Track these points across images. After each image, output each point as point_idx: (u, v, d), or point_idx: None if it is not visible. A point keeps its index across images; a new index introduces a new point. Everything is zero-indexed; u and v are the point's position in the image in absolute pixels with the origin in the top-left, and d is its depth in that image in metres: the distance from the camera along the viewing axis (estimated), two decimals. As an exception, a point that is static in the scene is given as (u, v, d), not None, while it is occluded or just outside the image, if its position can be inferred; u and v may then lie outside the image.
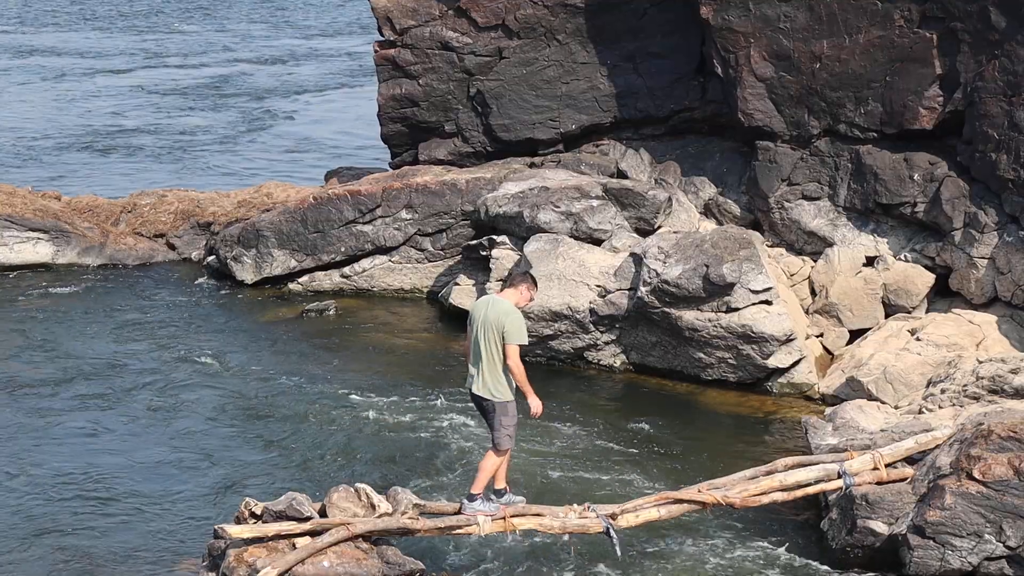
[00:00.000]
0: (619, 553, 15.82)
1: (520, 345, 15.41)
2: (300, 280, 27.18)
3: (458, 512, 15.82)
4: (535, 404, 15.53)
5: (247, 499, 15.60)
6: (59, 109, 48.06)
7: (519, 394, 15.60)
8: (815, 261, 24.12)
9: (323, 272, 27.13)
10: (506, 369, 15.50)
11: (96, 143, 42.57)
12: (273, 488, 17.88)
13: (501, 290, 16.22)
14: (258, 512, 15.39)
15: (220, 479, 18.59)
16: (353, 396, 21.58)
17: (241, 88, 52.57)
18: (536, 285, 16.05)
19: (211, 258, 28.21)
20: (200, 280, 27.76)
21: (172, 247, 29.26)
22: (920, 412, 19.31)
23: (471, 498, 15.74)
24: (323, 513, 15.43)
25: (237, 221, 28.39)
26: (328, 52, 60.16)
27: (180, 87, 52.08)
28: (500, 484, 15.98)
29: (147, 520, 17.32)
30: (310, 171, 37.97)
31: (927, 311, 23.04)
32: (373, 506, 15.49)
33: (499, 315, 15.42)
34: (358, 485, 15.73)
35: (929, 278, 23.13)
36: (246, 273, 27.14)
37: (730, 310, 21.92)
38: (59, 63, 57.84)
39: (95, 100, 49.85)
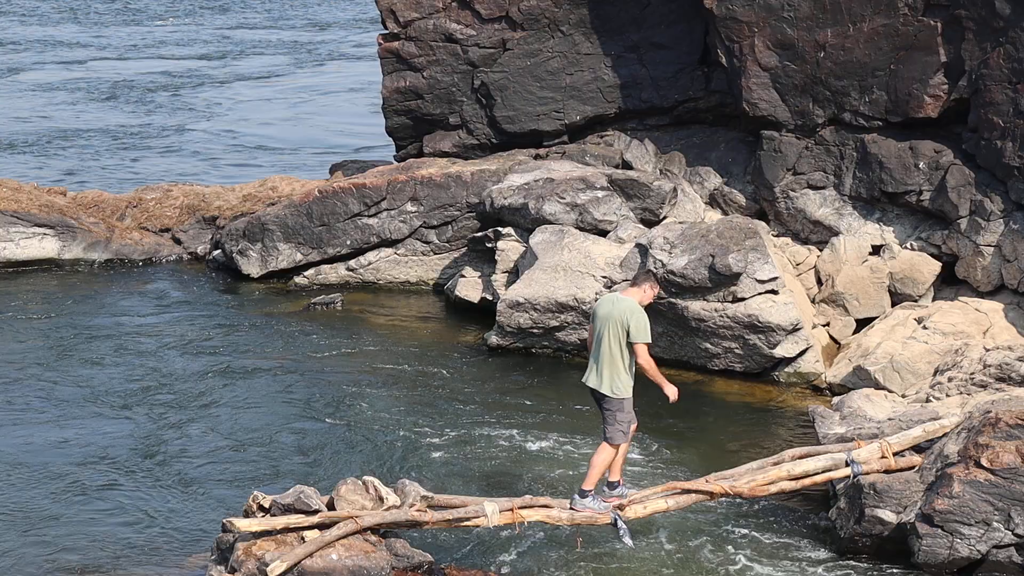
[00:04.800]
0: (630, 543, 15.86)
1: (647, 343, 15.75)
2: (306, 273, 27.19)
3: (568, 507, 15.99)
4: (671, 391, 15.99)
5: (255, 492, 15.64)
6: (57, 104, 47.99)
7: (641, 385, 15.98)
8: (821, 250, 24.11)
9: (329, 265, 27.13)
10: (626, 367, 15.83)
11: (103, 137, 42.56)
12: (281, 481, 17.90)
13: (625, 289, 16.47)
14: (266, 505, 15.43)
15: (228, 472, 18.61)
16: (360, 389, 21.59)
17: (241, 79, 52.42)
18: (658, 283, 16.46)
19: (217, 252, 28.22)
20: (206, 274, 27.77)
21: (178, 241, 29.26)
22: (927, 400, 19.31)
23: (583, 494, 15.92)
24: (331, 506, 15.45)
25: (243, 215, 28.40)
26: (331, 45, 60.06)
27: (171, 82, 51.87)
28: (614, 477, 16.20)
29: (155, 514, 17.33)
30: (315, 165, 37.97)
31: (933, 299, 23.03)
32: (381, 499, 15.52)
33: (623, 313, 15.74)
34: (366, 478, 15.76)
35: (935, 266, 23.11)
36: (252, 267, 27.14)
37: (736, 300, 21.92)
38: (52, 55, 57.74)
39: (98, 93, 49.83)
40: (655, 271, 16.15)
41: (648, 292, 16.10)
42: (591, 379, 16.01)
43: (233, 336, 24.11)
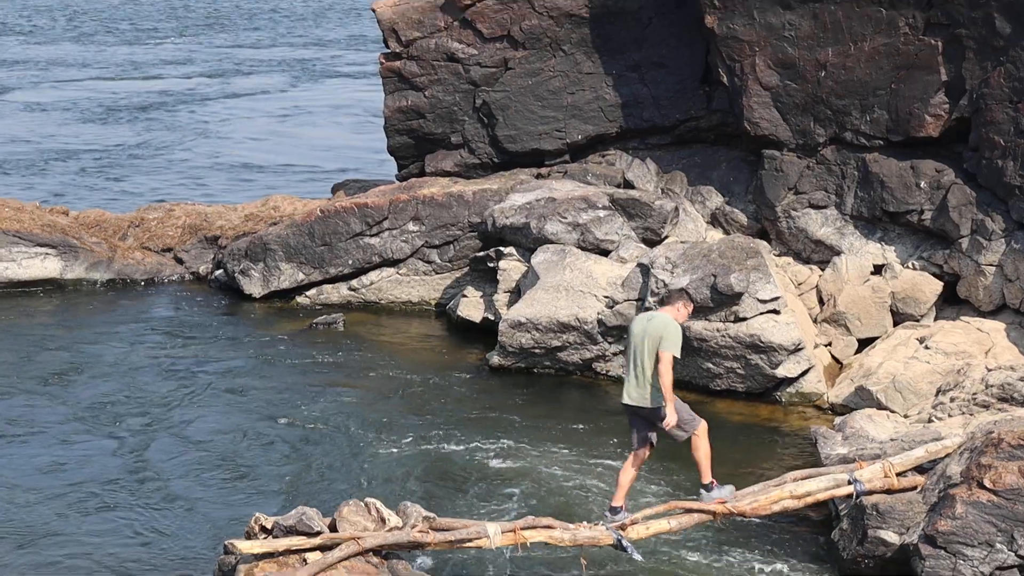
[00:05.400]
0: (638, 557, 15.90)
1: (674, 356, 15.79)
2: (308, 293, 27.20)
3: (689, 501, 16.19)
4: (670, 415, 15.87)
5: (257, 514, 15.60)
6: (53, 124, 47.98)
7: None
8: (823, 270, 24.12)
9: (331, 285, 27.14)
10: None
11: (101, 158, 42.62)
12: (283, 502, 17.90)
13: (659, 308, 16.55)
14: (268, 527, 15.40)
15: (229, 493, 18.60)
16: (361, 410, 21.59)
17: (245, 100, 52.48)
18: (692, 301, 16.58)
19: (219, 272, 28.23)
20: (208, 294, 27.78)
21: (180, 261, 29.28)
22: (930, 421, 19.30)
23: (708, 488, 16.16)
24: (333, 528, 15.42)
25: (244, 235, 28.42)
26: (331, 63, 60.13)
27: (169, 101, 51.87)
28: (617, 503, 16.23)
29: (157, 535, 17.32)
30: (317, 184, 38.01)
31: (935, 319, 23.03)
32: (383, 520, 15.49)
33: (657, 327, 15.86)
34: (368, 499, 15.73)
35: (937, 286, 23.12)
36: (254, 287, 27.15)
37: (738, 320, 21.92)
38: (53, 75, 57.75)
39: (95, 113, 49.87)
40: (687, 290, 16.24)
41: (682, 310, 16.21)
42: (631, 396, 16.09)
43: (234, 356, 24.11)
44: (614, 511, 16.20)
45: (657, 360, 15.78)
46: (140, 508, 18.07)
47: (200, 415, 21.38)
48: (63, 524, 17.55)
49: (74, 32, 68.77)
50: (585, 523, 16.01)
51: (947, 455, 16.61)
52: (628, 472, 16.37)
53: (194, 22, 72.05)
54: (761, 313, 21.89)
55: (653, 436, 16.28)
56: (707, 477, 16.22)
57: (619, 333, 22.84)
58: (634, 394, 16.03)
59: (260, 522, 15.49)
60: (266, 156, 42.54)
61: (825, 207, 24.41)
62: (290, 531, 15.25)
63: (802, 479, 16.73)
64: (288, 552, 15.12)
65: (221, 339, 25.06)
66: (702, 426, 16.22)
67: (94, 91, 53.02)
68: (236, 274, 27.37)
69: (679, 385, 22.19)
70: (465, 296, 25.54)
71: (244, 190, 37.56)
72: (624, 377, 16.28)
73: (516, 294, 24.32)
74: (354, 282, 27.07)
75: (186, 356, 24.05)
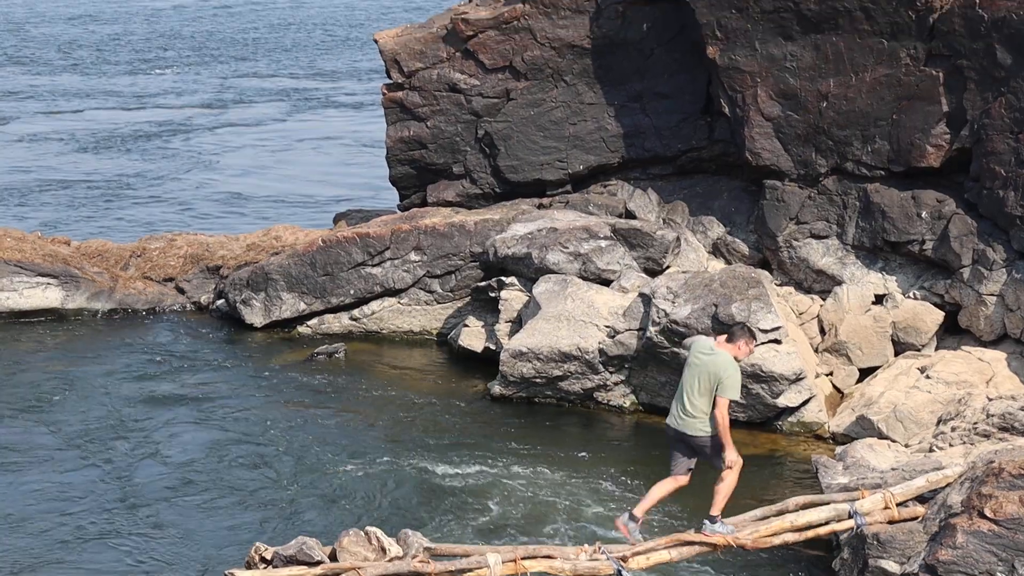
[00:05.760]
0: None
1: (732, 400, 15.90)
2: (309, 323, 27.20)
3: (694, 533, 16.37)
4: (732, 456, 15.92)
5: (257, 544, 15.60)
6: (56, 152, 47.96)
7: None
8: (824, 299, 24.12)
9: (332, 315, 27.15)
10: (708, 414, 15.92)
11: (103, 187, 42.64)
12: (283, 532, 17.88)
13: (722, 340, 16.48)
14: (268, 557, 15.38)
15: (230, 524, 18.59)
16: (362, 439, 21.59)
17: (243, 130, 52.45)
18: (755, 338, 16.54)
19: (220, 302, 28.24)
20: (209, 324, 27.79)
21: (181, 291, 29.28)
22: (931, 450, 19.28)
23: (712, 520, 16.22)
24: (334, 557, 15.40)
25: (246, 264, 28.44)
26: (332, 93, 60.23)
27: (168, 131, 51.81)
28: (640, 512, 16.43)
29: (157, 563, 17.33)
30: (314, 213, 38.03)
31: (936, 349, 23.02)
32: (384, 549, 15.47)
33: (718, 367, 15.84)
34: (368, 529, 15.71)
35: (938, 316, 23.12)
36: (255, 316, 27.16)
37: (739, 349, 21.88)
38: (52, 105, 57.74)
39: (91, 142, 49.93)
40: (747, 328, 16.29)
41: (743, 349, 16.18)
42: (676, 421, 16.18)
43: (235, 386, 24.11)
44: (632, 518, 16.29)
45: (714, 401, 15.83)
46: (139, 536, 18.07)
47: (200, 444, 21.38)
48: (59, 551, 17.56)
49: (74, 63, 68.86)
50: (585, 550, 15.97)
51: (948, 485, 16.60)
52: (661, 489, 16.46)
53: (195, 52, 72.18)
54: (763, 343, 21.86)
55: (692, 463, 16.32)
56: (716, 509, 16.23)
57: (620, 363, 22.84)
58: (680, 420, 16.13)
59: (260, 552, 15.48)
60: (262, 186, 42.52)
61: (826, 237, 24.43)
62: (290, 561, 15.23)
63: (803, 506, 16.73)
64: (288, 582, 15.11)
65: (222, 369, 25.07)
66: (739, 463, 16.15)
67: (92, 121, 53.03)
68: (238, 304, 27.38)
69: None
70: (467, 326, 25.55)
71: (241, 220, 37.55)
72: (674, 400, 16.31)
73: (518, 324, 24.32)
74: (356, 312, 27.08)
75: (187, 386, 24.05)
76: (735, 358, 16.01)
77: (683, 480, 16.41)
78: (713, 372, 15.82)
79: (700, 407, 15.92)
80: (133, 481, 19.94)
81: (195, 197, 40.99)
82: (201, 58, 70.46)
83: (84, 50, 73.24)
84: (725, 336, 16.35)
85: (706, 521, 16.29)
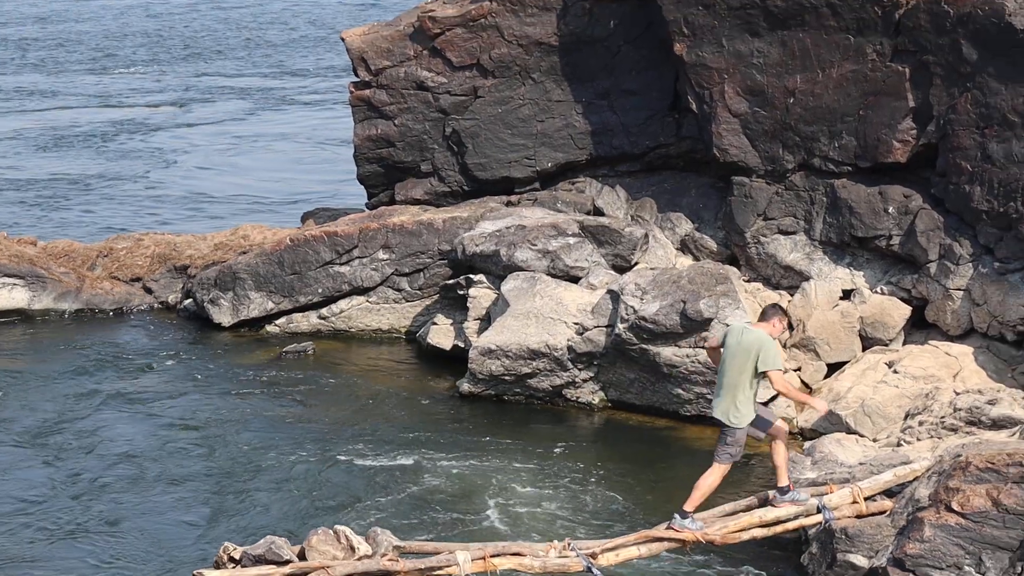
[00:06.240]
0: None
1: (779, 370, 16.21)
2: (277, 322, 27.13)
3: (666, 527, 16.40)
4: (821, 404, 16.69)
5: (226, 543, 15.54)
6: (15, 153, 47.65)
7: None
8: (792, 295, 24.16)
9: (300, 313, 27.09)
10: (748, 397, 16.27)
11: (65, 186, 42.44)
12: (252, 532, 17.83)
13: (753, 323, 17.10)
14: (237, 556, 15.33)
15: (198, 523, 18.54)
16: (332, 438, 21.55)
17: (208, 128, 52.17)
18: (787, 315, 16.99)
19: (188, 301, 28.16)
20: (177, 323, 27.70)
21: (149, 291, 29.17)
22: (898, 445, 19.35)
23: (683, 515, 16.35)
24: (302, 556, 15.37)
25: (214, 264, 28.34)
26: (298, 92, 60.00)
27: (133, 130, 51.44)
28: (690, 507, 16.46)
29: (124, 563, 17.27)
30: (286, 213, 37.92)
31: (904, 343, 23.08)
32: (353, 548, 15.43)
33: (752, 344, 16.16)
34: (337, 527, 15.68)
35: (905, 310, 23.18)
36: (223, 316, 27.08)
37: (708, 346, 21.92)
38: (16, 104, 57.38)
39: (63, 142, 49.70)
40: (779, 307, 16.68)
41: (777, 325, 16.52)
42: (714, 409, 16.53)
43: (204, 385, 24.05)
44: (683, 515, 16.37)
45: (758, 381, 16.23)
46: (104, 536, 18.03)
47: (166, 443, 21.32)
48: (22, 548, 17.47)
49: (35, 62, 68.48)
50: (555, 547, 15.97)
51: (915, 479, 16.66)
52: (707, 481, 16.56)
53: (161, 51, 71.85)
54: (731, 339, 21.88)
55: (737, 453, 16.57)
56: (691, 506, 16.39)
57: (589, 359, 22.84)
58: (718, 407, 16.43)
59: (229, 552, 15.42)
60: (227, 185, 42.27)
61: (794, 233, 24.48)
62: (259, 560, 15.18)
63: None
64: (257, 581, 15.08)
65: (190, 368, 24.99)
66: (784, 431, 16.65)
67: (54, 121, 52.64)
68: (205, 303, 27.30)
69: (648, 411, 22.41)
70: (435, 324, 25.53)
71: (207, 219, 37.32)
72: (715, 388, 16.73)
73: (486, 321, 24.31)
74: (324, 310, 27.02)
75: (154, 385, 23.98)
76: (770, 336, 16.34)
77: (725, 468, 16.65)
78: (749, 350, 16.11)
79: (735, 392, 16.21)
80: (100, 481, 19.87)
81: (158, 197, 40.70)
82: (166, 57, 70.12)
83: (46, 50, 72.82)
84: (758, 318, 16.84)
85: (676, 516, 16.35)
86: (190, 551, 17.68)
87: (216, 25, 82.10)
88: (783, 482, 16.59)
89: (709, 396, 21.89)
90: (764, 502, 16.84)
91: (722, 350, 16.43)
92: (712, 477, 16.39)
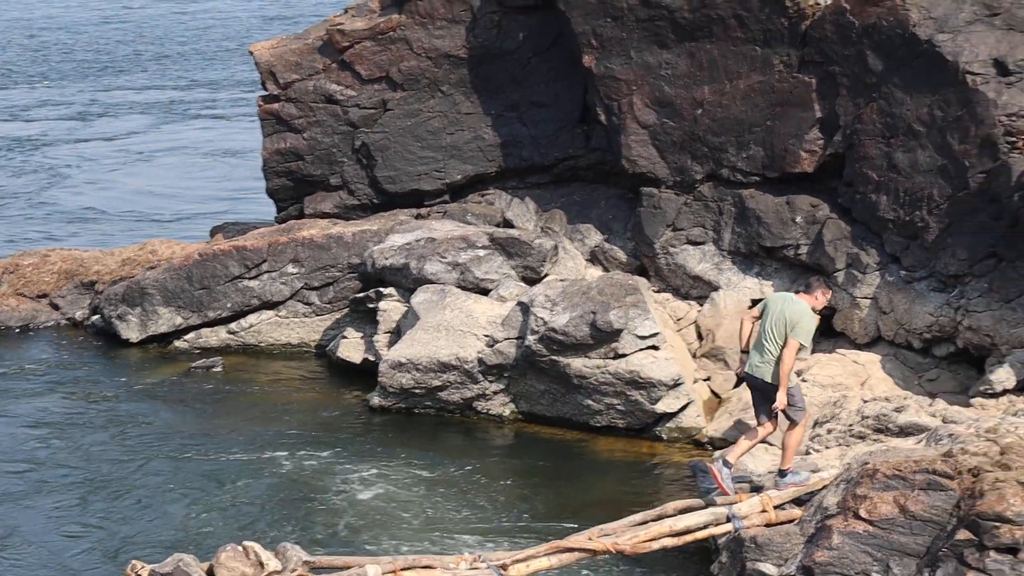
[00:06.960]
0: None
1: (801, 345, 16.84)
2: (186, 337, 26.90)
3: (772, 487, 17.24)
4: (781, 397, 16.88)
5: (133, 561, 15.41)
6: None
7: None
8: (701, 305, 24.27)
9: (209, 329, 26.88)
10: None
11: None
12: (160, 548, 17.66)
13: (798, 293, 17.62)
14: (145, 574, 15.18)
15: (106, 541, 18.35)
16: (241, 452, 21.40)
17: (110, 143, 51.61)
18: (831, 289, 17.91)
19: (95, 317, 27.88)
20: (84, 340, 27.42)
21: (56, 307, 28.86)
22: (807, 453, 19.43)
23: (782, 474, 17.08)
24: (211, 573, 15.25)
25: (121, 279, 28.07)
26: (207, 106, 59.62)
27: (33, 145, 50.75)
28: (733, 458, 17.24)
29: (31, 585, 17.09)
30: (194, 227, 37.61)
31: (812, 352, 23.14)
32: (262, 564, 15.34)
33: (795, 313, 16.91)
34: (246, 543, 15.57)
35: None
36: (131, 331, 26.83)
37: (618, 356, 21.97)
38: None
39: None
40: (823, 279, 17.51)
41: (820, 298, 17.29)
42: (753, 367, 17.11)
43: (112, 401, 23.82)
44: (726, 463, 17.05)
45: (785, 344, 16.77)
46: (8, 560, 17.76)
47: (74, 463, 21.08)
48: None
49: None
50: (465, 559, 15.93)
51: (824, 487, 16.75)
52: (751, 439, 17.32)
53: (73, 65, 71.21)
54: (640, 349, 21.95)
55: (772, 413, 17.15)
56: (786, 464, 17.12)
57: (499, 372, 22.82)
58: (757, 366, 17.03)
59: (137, 570, 15.29)
60: (131, 200, 41.75)
61: (703, 243, 24.58)
62: (167, 578, 15.06)
63: (682, 510, 16.81)
64: (164, 598, 14.94)
65: (97, 384, 24.74)
66: (806, 418, 17.30)
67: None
68: (113, 319, 27.04)
69: (559, 423, 22.41)
70: (345, 337, 25.42)
71: (93, 235, 36.89)
72: (751, 348, 17.29)
73: (396, 335, 24.23)
74: (233, 325, 26.83)
75: (60, 402, 23.72)
76: (812, 308, 16.99)
77: (768, 429, 17.34)
78: (789, 317, 16.80)
79: (774, 352, 16.85)
80: (2, 502, 19.61)
81: (48, 214, 40.19)
82: (76, 71, 69.50)
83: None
84: (803, 289, 17.41)
85: (777, 478, 17.17)
86: (98, 570, 17.49)
87: (127, 39, 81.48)
88: (785, 465, 17.13)
89: (620, 407, 21.96)
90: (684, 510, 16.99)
91: (764, 315, 17.10)
92: (798, 432, 17.18)
